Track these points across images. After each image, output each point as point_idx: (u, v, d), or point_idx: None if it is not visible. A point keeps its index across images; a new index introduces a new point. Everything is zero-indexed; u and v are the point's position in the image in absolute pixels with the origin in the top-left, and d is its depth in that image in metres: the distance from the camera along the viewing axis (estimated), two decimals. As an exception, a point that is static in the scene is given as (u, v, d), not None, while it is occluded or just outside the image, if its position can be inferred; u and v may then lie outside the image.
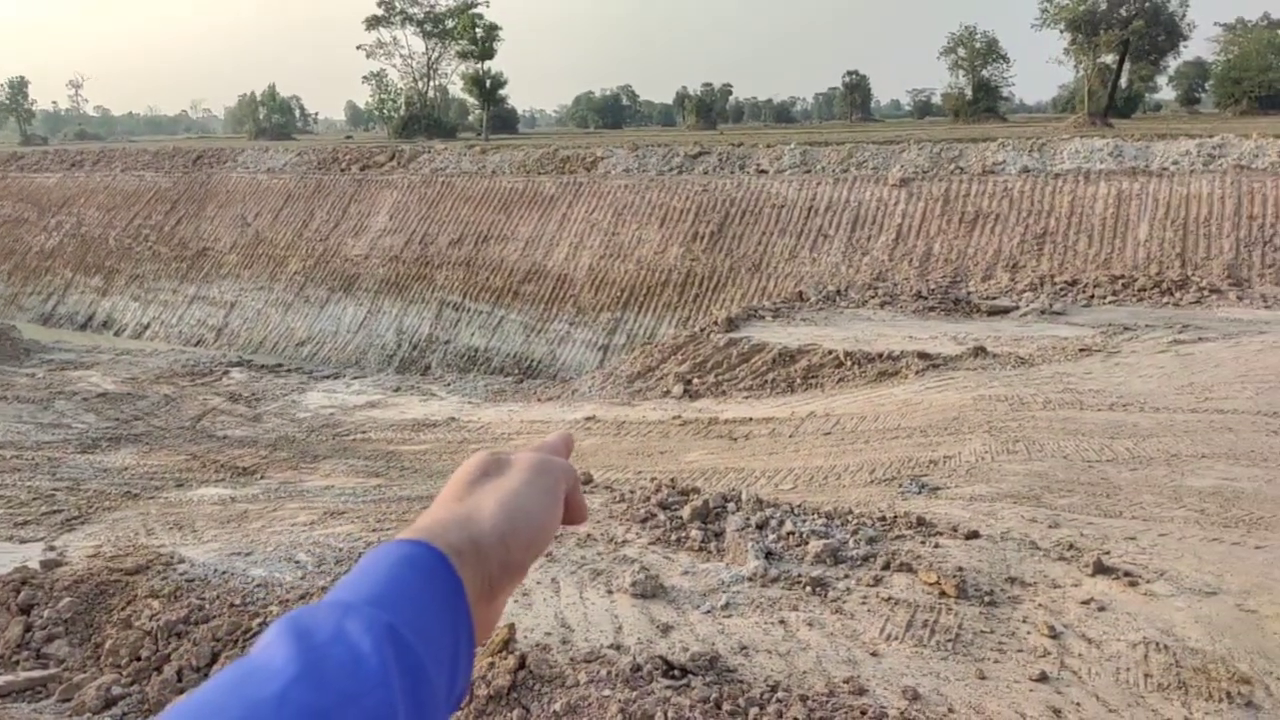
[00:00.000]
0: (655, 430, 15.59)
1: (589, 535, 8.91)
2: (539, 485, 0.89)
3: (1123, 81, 71.45)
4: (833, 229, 29.45)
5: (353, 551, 9.50)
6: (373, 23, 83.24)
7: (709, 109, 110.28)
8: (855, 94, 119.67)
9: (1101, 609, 8.07)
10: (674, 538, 8.78)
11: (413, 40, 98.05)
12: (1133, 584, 8.67)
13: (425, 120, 76.76)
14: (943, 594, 7.78)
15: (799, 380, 17.09)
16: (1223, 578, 8.87)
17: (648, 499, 9.64)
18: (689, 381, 17.50)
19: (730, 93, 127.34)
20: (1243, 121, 52.44)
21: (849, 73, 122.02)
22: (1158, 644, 7.39)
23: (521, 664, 5.85)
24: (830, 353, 17.47)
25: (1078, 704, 6.50)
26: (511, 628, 6.56)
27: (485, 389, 22.54)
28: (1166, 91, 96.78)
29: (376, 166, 39.51)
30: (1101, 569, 8.92)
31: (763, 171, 32.35)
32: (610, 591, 7.74)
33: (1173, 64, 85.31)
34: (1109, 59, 64.83)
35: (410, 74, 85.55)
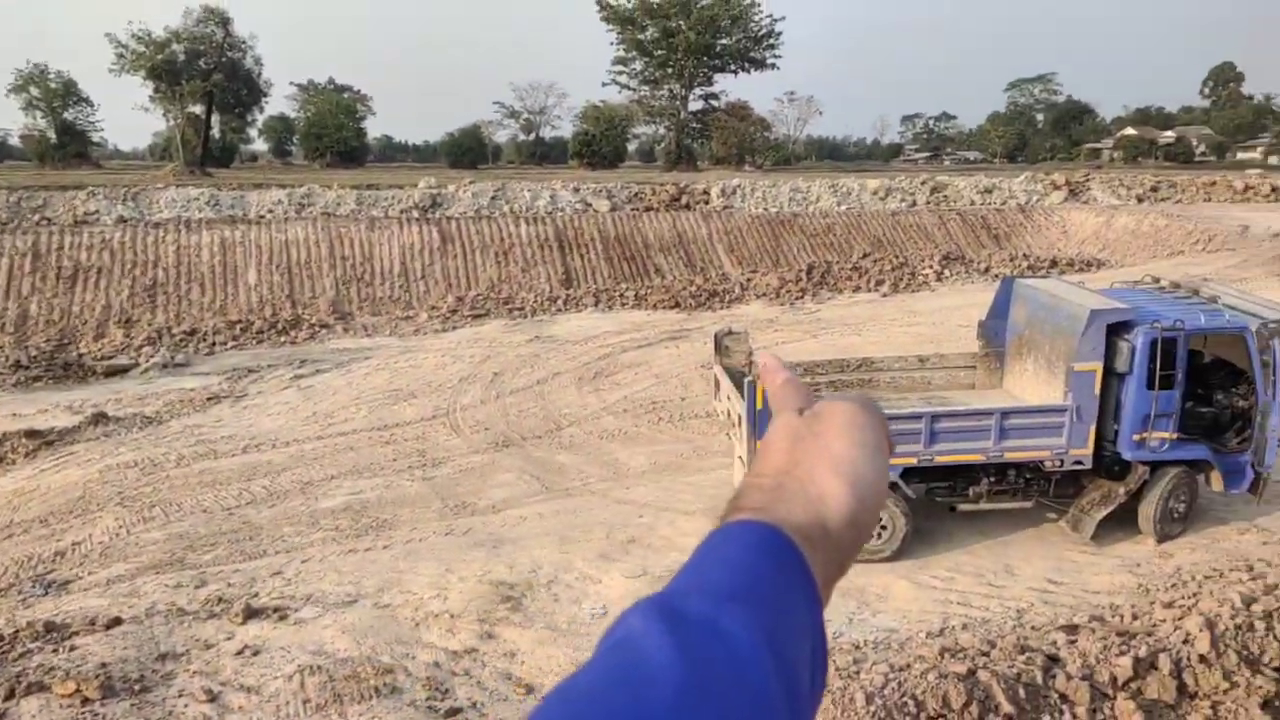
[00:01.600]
0: None
1: None
2: (870, 445, 0.81)
3: (215, 132, 74.02)
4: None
5: None
6: None
7: None
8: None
9: (256, 653, 8.08)
10: None
11: None
12: (283, 618, 8.89)
13: None
14: (85, 700, 6.77)
15: None
16: (360, 584, 9.84)
17: None
18: None
19: None
20: (327, 174, 59.65)
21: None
22: (312, 667, 7.74)
23: None
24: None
25: (242, 761, 6.37)
26: None
27: None
28: (260, 143, 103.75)
29: None
30: (252, 613, 8.90)
31: None
32: None
33: (260, 117, 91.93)
34: (198, 109, 66.40)
35: None
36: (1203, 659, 7.63)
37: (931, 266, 29.90)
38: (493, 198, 33.28)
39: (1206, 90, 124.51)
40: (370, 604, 9.23)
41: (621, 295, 27.53)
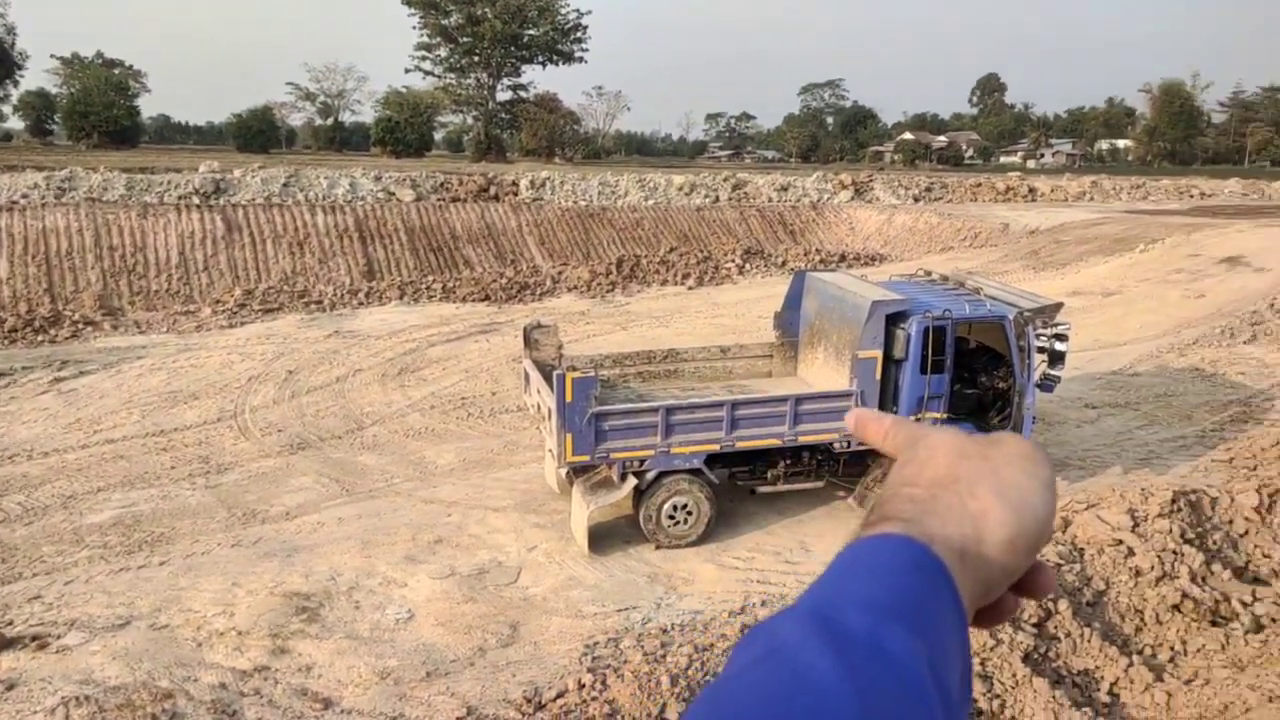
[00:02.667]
0: None
1: None
2: (1041, 479, 0.77)
3: (-45, 106, 65.24)
4: None
5: None
6: None
7: None
8: None
9: (11, 687, 7.20)
10: None
11: None
12: (43, 646, 7.98)
13: None
14: None
15: None
16: (134, 604, 8.96)
17: None
18: None
19: None
20: (94, 155, 53.95)
21: None
22: (78, 698, 6.97)
23: None
24: None
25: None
26: None
27: None
28: (16, 121, 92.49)
29: None
30: (5, 644, 7.95)
31: None
32: None
33: (14, 93, 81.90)
34: (-69, 79, 58.26)
35: None
36: (970, 618, 8.36)
37: (734, 260, 31.11)
38: (285, 184, 31.32)
39: (975, 99, 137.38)
40: (145, 625, 8.43)
41: (428, 288, 26.74)
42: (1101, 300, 23.33)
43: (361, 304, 25.24)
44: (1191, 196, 47.26)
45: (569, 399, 10.03)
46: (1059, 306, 12.26)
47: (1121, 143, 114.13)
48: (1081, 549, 9.81)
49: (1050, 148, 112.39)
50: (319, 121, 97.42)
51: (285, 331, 21.85)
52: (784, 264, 31.31)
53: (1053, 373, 11.84)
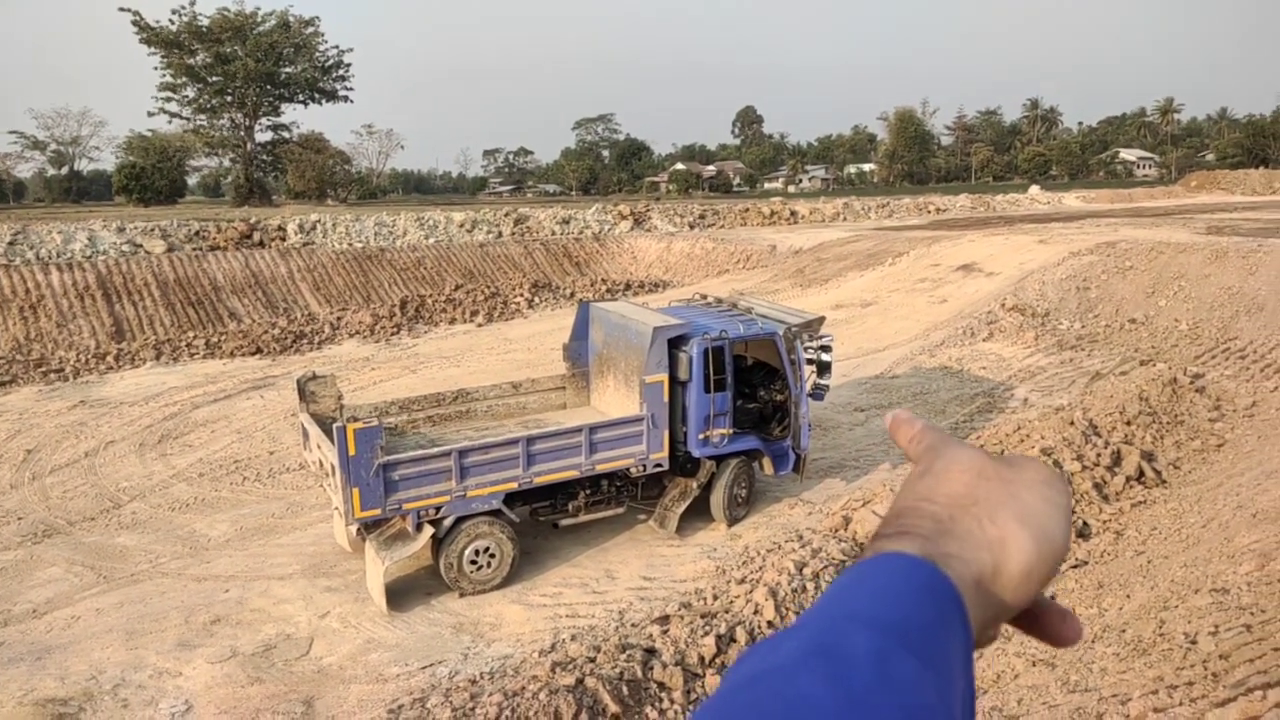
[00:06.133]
0: None
1: None
2: (1060, 507, 0.74)
3: None
4: None
5: None
6: None
7: None
8: None
9: None
10: None
11: None
12: None
13: None
14: None
15: None
16: None
17: None
18: None
19: None
20: None
21: None
22: None
23: None
24: None
25: None
26: None
27: None
28: None
29: None
30: None
31: None
32: None
33: None
34: None
35: None
36: (770, 624, 8.72)
37: (522, 294, 31.06)
38: (10, 243, 27.89)
39: (736, 130, 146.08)
40: None
41: (189, 345, 24.63)
42: (861, 311, 25.36)
43: (111, 368, 22.82)
44: (929, 212, 52.61)
45: (352, 452, 9.52)
46: (822, 320, 13.18)
47: (867, 166, 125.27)
48: (861, 544, 10.50)
49: (807, 173, 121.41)
50: (51, 171, 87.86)
51: (20, 406, 19.34)
52: (572, 295, 31.64)
53: (822, 382, 12.68)
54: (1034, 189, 70.21)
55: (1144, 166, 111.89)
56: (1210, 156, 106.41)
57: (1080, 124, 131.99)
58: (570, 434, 11.03)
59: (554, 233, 39.93)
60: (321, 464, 10.79)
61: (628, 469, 11.38)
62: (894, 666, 0.57)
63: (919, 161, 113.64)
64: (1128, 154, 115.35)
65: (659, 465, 11.50)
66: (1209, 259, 22.75)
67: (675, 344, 11.40)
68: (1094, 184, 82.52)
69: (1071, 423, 13.55)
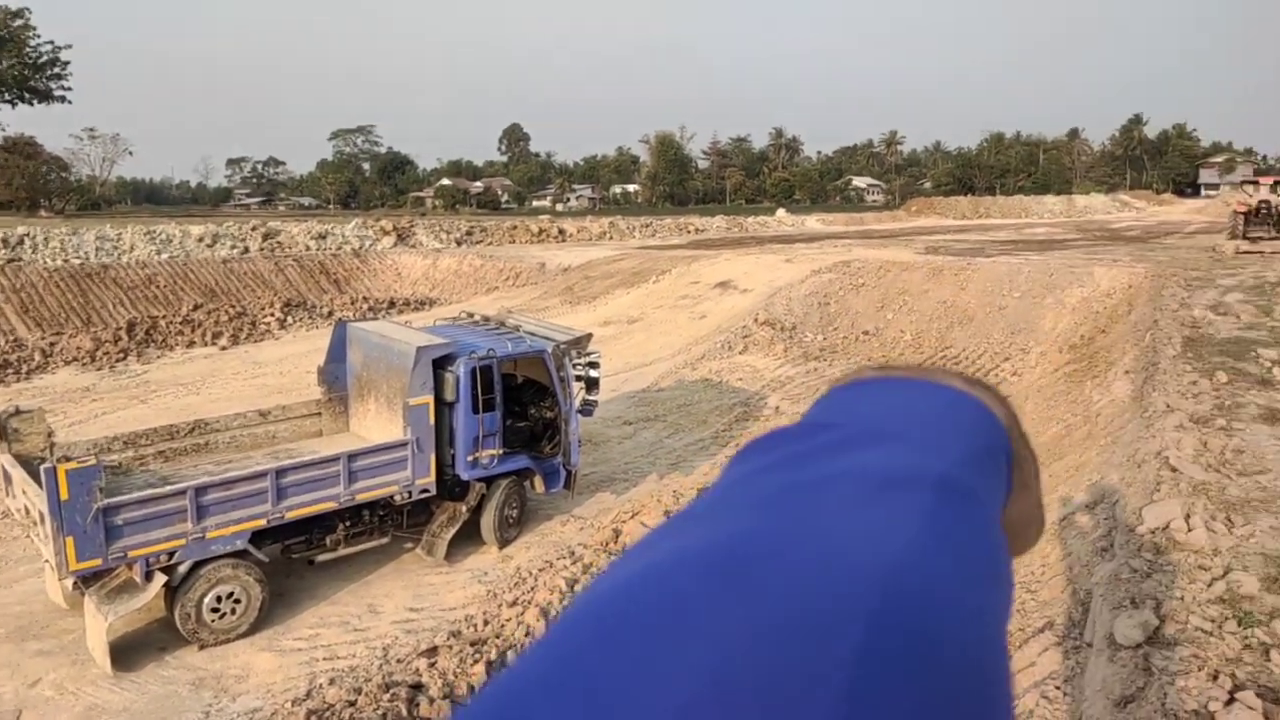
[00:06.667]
0: None
1: None
2: None
3: None
4: None
5: None
6: None
7: None
8: None
9: None
10: None
11: None
12: None
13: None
14: None
15: None
16: None
17: None
18: None
19: None
20: None
21: None
22: None
23: None
24: None
25: None
26: None
27: None
28: None
29: None
30: None
31: None
32: None
33: None
34: None
35: None
36: (542, 645, 8.59)
37: (274, 314, 28.99)
38: None
39: (503, 147, 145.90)
40: None
41: None
42: (628, 327, 26.01)
43: None
44: (689, 232, 55.14)
45: (64, 496, 8.35)
46: (589, 337, 13.32)
47: (631, 187, 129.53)
48: (632, 556, 10.65)
49: (574, 192, 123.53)
50: None
51: None
52: (330, 314, 29.97)
53: (591, 398, 12.81)
54: (781, 212, 75.67)
55: (873, 192, 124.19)
56: (928, 184, 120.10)
57: (819, 152, 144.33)
58: (327, 463, 10.36)
59: (308, 248, 37.69)
60: (28, 511, 9.40)
61: (392, 496, 10.86)
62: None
63: (679, 184, 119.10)
64: (859, 181, 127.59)
65: (426, 491, 11.07)
66: (928, 276, 25.49)
67: (441, 364, 11.05)
68: (831, 208, 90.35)
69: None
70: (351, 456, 10.48)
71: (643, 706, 0.34)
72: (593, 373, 12.72)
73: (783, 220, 66.53)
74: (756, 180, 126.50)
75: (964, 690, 0.37)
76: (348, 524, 10.81)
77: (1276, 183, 34.10)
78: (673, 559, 0.43)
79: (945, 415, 0.59)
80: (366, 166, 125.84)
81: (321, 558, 10.75)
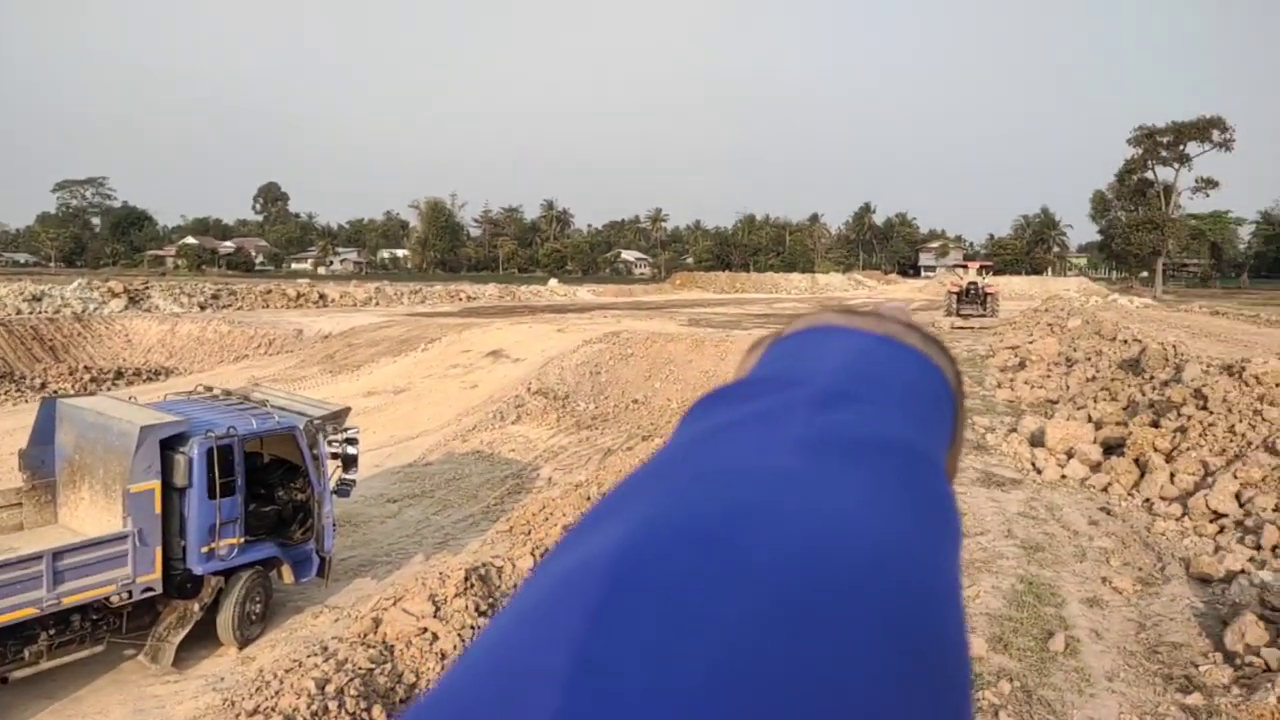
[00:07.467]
0: None
1: None
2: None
3: None
4: None
5: None
6: None
7: None
8: None
9: None
10: None
11: None
12: None
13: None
14: None
15: None
16: None
17: None
18: None
19: None
20: None
21: None
22: None
23: None
24: None
25: None
26: None
27: None
28: None
29: None
30: None
31: None
32: None
33: None
34: None
35: None
36: (286, 759, 7.71)
37: (-31, 386, 25.09)
38: None
39: (258, 206, 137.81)
40: None
41: None
42: (394, 398, 24.95)
43: None
44: (461, 299, 54.46)
45: None
46: (347, 411, 12.54)
47: (400, 252, 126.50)
48: (391, 646, 9.95)
49: (338, 255, 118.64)
50: None
51: None
52: (43, 386, 26.44)
53: (348, 477, 12.01)
54: (553, 282, 76.85)
55: (641, 265, 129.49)
56: (690, 259, 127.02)
57: (589, 225, 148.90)
58: (25, 563, 8.89)
59: (19, 311, 33.24)
60: None
61: (108, 598, 9.47)
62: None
63: (450, 250, 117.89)
64: (628, 254, 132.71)
65: (149, 589, 9.76)
66: (691, 347, 26.64)
67: (170, 444, 9.89)
68: (603, 279, 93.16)
69: (589, 498, 14.57)
70: (57, 554, 9.06)
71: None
72: (350, 449, 11.95)
73: (555, 290, 67.52)
74: (529, 250, 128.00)
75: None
76: (52, 632, 9.28)
77: (982, 267, 39.32)
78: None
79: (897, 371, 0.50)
80: (97, 221, 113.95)
81: (18, 674, 9.12)
